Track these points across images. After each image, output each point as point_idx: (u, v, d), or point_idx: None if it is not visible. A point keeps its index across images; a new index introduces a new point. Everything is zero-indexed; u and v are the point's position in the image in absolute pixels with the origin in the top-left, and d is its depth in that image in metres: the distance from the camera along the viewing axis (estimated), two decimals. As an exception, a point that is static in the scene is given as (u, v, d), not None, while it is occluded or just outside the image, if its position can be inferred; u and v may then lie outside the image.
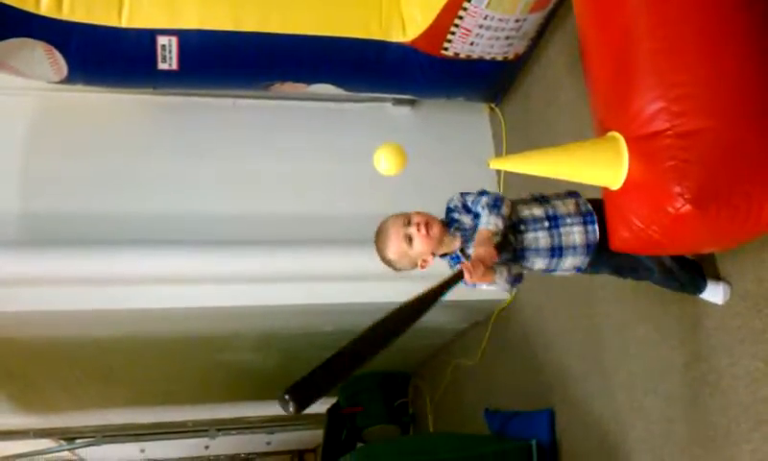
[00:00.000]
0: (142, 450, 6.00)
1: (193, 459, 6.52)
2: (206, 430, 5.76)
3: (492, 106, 4.14)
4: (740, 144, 1.93)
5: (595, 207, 2.25)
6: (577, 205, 2.27)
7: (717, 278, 2.47)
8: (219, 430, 5.72)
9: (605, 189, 2.15)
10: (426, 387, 4.97)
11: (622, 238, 2.12)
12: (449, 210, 2.30)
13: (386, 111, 4.12)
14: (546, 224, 2.22)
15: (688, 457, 2.61)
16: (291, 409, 1.82)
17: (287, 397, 1.82)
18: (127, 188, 3.65)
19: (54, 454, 5.68)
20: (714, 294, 2.44)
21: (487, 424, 3.77)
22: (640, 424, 2.89)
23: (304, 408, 1.86)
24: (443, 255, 2.26)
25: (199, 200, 3.70)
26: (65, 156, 3.64)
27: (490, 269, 2.10)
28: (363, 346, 1.96)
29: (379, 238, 2.25)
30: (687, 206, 1.89)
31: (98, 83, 3.46)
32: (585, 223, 2.23)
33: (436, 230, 2.19)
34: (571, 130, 3.37)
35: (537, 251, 2.21)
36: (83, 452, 5.73)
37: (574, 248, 2.22)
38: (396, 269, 2.27)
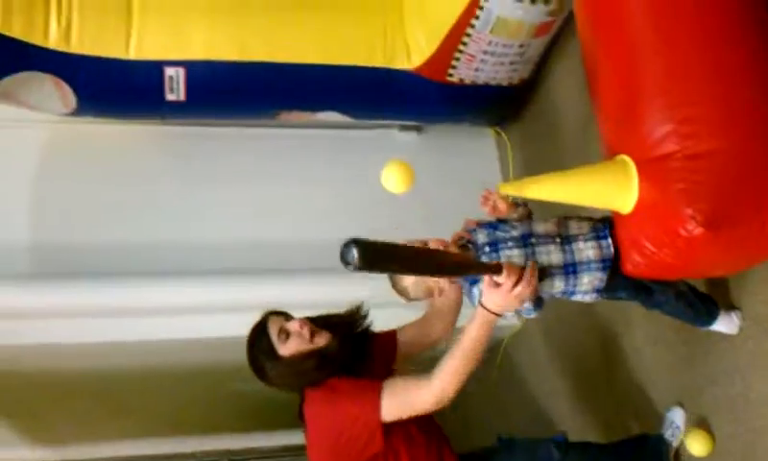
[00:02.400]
0: (153, 482, 5.90)
1: (204, 490, 6.40)
2: (218, 460, 5.68)
3: (498, 130, 4.15)
4: (751, 164, 1.93)
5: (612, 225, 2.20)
6: (591, 222, 2.24)
7: (730, 307, 2.45)
8: (231, 460, 5.64)
9: (615, 214, 2.15)
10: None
11: (634, 263, 2.11)
12: (467, 240, 2.25)
13: (392, 137, 4.13)
14: (558, 240, 2.16)
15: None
16: (355, 258, 1.65)
17: (352, 244, 1.67)
18: (137, 219, 3.66)
19: (64, 487, 5.61)
20: (727, 324, 2.43)
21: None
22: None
23: (368, 266, 1.71)
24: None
25: (209, 229, 3.70)
26: (75, 187, 3.65)
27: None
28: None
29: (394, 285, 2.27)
30: (699, 229, 1.88)
31: (107, 114, 3.48)
32: (598, 238, 2.18)
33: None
34: (578, 153, 3.37)
35: (550, 268, 2.13)
36: (94, 485, 5.64)
37: (588, 263, 2.16)
38: (408, 298, 2.28)
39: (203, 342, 3.72)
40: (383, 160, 3.95)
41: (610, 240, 2.17)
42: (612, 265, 2.16)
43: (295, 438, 4.49)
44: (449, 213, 3.68)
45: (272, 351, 2.21)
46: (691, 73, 1.98)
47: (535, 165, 3.85)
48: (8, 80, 3.08)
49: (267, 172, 3.88)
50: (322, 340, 2.21)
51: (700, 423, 2.39)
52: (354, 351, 2.28)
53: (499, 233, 2.18)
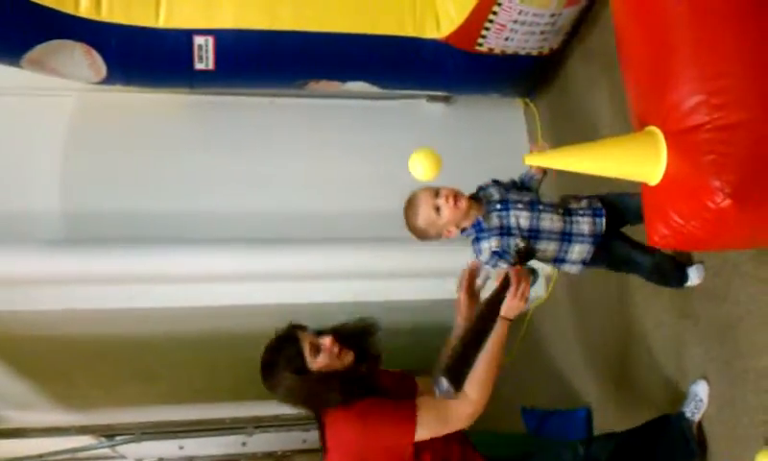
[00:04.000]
0: (181, 447, 6.04)
1: (230, 456, 6.55)
2: (244, 427, 5.78)
3: (527, 101, 4.11)
4: (781, 137, 1.90)
5: (607, 203, 2.46)
6: (589, 201, 2.47)
7: (690, 262, 2.67)
8: (256, 428, 5.74)
9: (643, 185, 2.13)
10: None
11: (661, 234, 2.09)
12: (480, 188, 2.51)
13: (420, 108, 4.12)
14: (561, 211, 2.41)
15: (727, 457, 2.57)
16: (449, 388, 2.11)
17: (444, 377, 2.08)
18: (165, 187, 3.71)
19: (95, 451, 5.74)
20: (696, 276, 2.63)
21: (524, 421, 3.75)
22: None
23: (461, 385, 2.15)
24: (463, 230, 2.39)
25: (237, 198, 3.73)
26: (104, 155, 3.70)
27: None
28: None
29: (409, 208, 2.40)
30: (728, 201, 1.86)
31: (136, 83, 3.50)
32: (594, 215, 2.42)
33: (463, 202, 2.35)
34: (607, 124, 3.34)
35: (550, 233, 2.37)
36: (122, 449, 5.80)
37: (582, 236, 2.39)
38: (421, 238, 2.41)
39: (230, 309, 3.77)
40: (411, 131, 3.97)
41: (603, 219, 2.41)
42: (601, 241, 2.40)
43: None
44: (476, 183, 3.70)
45: (302, 364, 2.23)
46: (723, 44, 1.94)
47: (563, 137, 3.81)
48: (39, 48, 3.11)
49: (295, 141, 3.90)
50: (348, 357, 2.28)
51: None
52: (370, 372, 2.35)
53: (512, 195, 2.41)
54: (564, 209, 2.42)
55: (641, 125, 2.12)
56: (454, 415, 2.22)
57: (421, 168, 2.21)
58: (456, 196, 2.33)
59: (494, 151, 4.02)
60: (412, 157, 2.21)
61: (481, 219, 2.37)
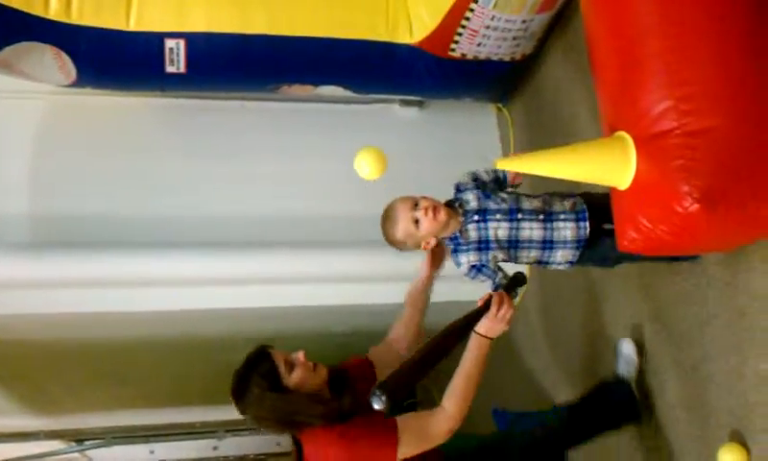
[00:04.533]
0: (151, 452, 5.96)
1: (202, 460, 6.47)
2: (215, 431, 5.73)
3: (500, 106, 4.14)
4: (748, 143, 1.93)
5: (593, 202, 2.39)
6: (573, 204, 2.40)
7: None
8: (228, 431, 5.69)
9: (613, 189, 2.16)
10: (435, 388, 4.94)
11: (630, 239, 2.12)
12: (458, 189, 2.45)
13: (394, 112, 4.13)
14: (541, 217, 2.35)
15: (695, 456, 2.60)
16: (383, 405, 1.92)
17: (378, 392, 1.92)
18: (135, 191, 3.68)
19: (64, 456, 5.67)
20: None
21: (495, 422, 3.76)
22: (648, 423, 2.89)
23: (395, 402, 1.99)
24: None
25: (208, 202, 3.71)
26: (74, 158, 3.66)
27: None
28: (433, 352, 2.11)
29: (387, 219, 2.37)
30: (696, 206, 1.89)
31: (106, 86, 3.48)
32: (577, 220, 2.36)
33: (442, 214, 2.30)
34: (579, 129, 3.37)
35: (530, 242, 2.34)
36: (92, 454, 5.72)
37: (564, 243, 2.36)
38: (398, 248, 2.39)
39: (200, 313, 3.75)
40: (384, 135, 3.97)
41: (587, 223, 2.36)
42: (585, 243, 2.37)
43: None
44: (450, 189, 3.71)
45: (278, 381, 2.21)
46: (692, 51, 1.97)
47: (537, 142, 3.84)
48: (8, 50, 3.08)
49: (267, 146, 3.89)
50: (323, 371, 2.29)
51: (733, 436, 2.42)
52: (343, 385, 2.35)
53: (491, 204, 2.35)
54: (546, 215, 2.35)
55: (611, 130, 2.14)
56: (434, 432, 2.23)
57: (368, 167, 2.20)
58: (435, 208, 2.29)
59: (467, 155, 4.04)
60: (357, 157, 2.21)
61: (458, 234, 2.34)
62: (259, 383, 2.21)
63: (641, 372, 2.88)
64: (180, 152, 3.78)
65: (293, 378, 2.22)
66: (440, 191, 3.31)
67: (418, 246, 2.36)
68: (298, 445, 2.30)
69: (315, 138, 3.94)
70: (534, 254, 2.37)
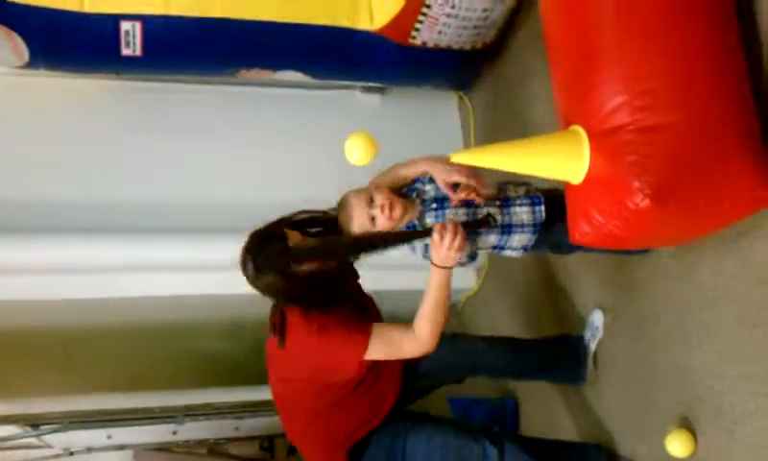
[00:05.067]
0: (109, 436, 5.91)
1: (161, 444, 6.44)
2: (174, 416, 5.69)
3: (461, 94, 4.14)
4: (701, 140, 1.95)
5: (546, 194, 2.44)
6: (527, 191, 2.46)
7: None
8: (187, 416, 5.65)
9: (567, 184, 2.17)
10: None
11: (582, 232, 2.14)
12: (415, 179, 2.44)
13: (355, 99, 4.11)
14: (498, 203, 2.39)
15: (648, 448, 2.65)
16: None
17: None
18: (91, 175, 3.62)
19: (19, 441, 5.59)
20: None
21: (450, 409, 3.79)
22: (600, 413, 2.93)
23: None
24: None
25: (162, 187, 3.67)
26: (26, 141, 3.59)
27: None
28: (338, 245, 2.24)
29: (343, 212, 2.36)
30: (647, 201, 1.91)
31: (60, 68, 3.41)
32: (532, 204, 2.42)
33: (398, 211, 2.31)
34: (540, 118, 3.39)
35: (488, 227, 2.36)
36: (48, 439, 5.65)
37: (522, 226, 2.40)
38: None
39: (157, 300, 3.71)
40: (345, 121, 3.95)
41: (543, 207, 2.41)
42: (541, 228, 2.42)
43: (252, 394, 4.51)
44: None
45: (287, 265, 2.19)
46: (647, 47, 1.98)
47: (497, 130, 3.86)
48: (-42, 29, 3.00)
49: (226, 130, 3.84)
50: (331, 262, 2.29)
51: (681, 422, 2.46)
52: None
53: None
54: (502, 201, 2.40)
55: (567, 124, 2.15)
56: (402, 350, 2.32)
57: (358, 153, 2.16)
58: (391, 206, 2.29)
59: (429, 143, 3.98)
60: (348, 142, 2.17)
61: (416, 222, 2.36)
62: (266, 263, 2.21)
63: (595, 354, 2.92)
64: (136, 136, 3.72)
65: (302, 267, 2.21)
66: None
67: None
68: (283, 318, 2.34)
69: (275, 123, 3.91)
70: (492, 238, 2.40)
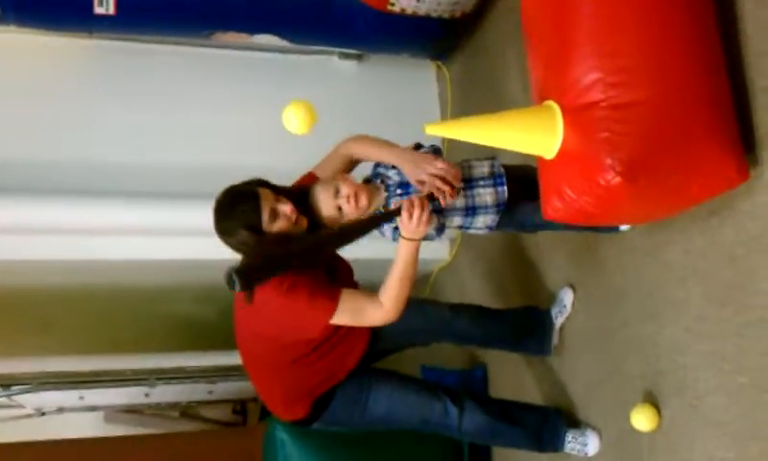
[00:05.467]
0: (81, 398, 5.90)
1: (133, 406, 6.45)
2: (146, 379, 5.69)
3: (439, 64, 4.11)
4: (673, 119, 1.95)
5: (511, 172, 2.47)
6: (491, 167, 2.49)
7: None
8: (159, 379, 5.65)
9: (539, 159, 2.17)
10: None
11: (554, 208, 2.14)
12: (377, 164, 2.48)
13: (332, 65, 4.07)
14: (462, 185, 2.40)
15: (614, 421, 2.69)
16: (237, 287, 1.95)
17: (234, 275, 1.93)
18: (64, 135, 3.58)
19: (-8, 401, 5.56)
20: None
21: (422, 377, 3.82)
22: (568, 386, 2.97)
23: (250, 286, 2.06)
24: None
25: (140, 151, 3.63)
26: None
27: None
28: (309, 245, 2.19)
29: (311, 204, 2.35)
30: (618, 179, 1.91)
31: (32, 24, 3.34)
32: (495, 184, 2.45)
33: (364, 201, 2.33)
34: (517, 90, 3.37)
35: (453, 210, 2.41)
36: (20, 399, 5.64)
37: (486, 207, 2.44)
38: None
39: (132, 263, 3.69)
40: (321, 87, 3.92)
41: (505, 188, 2.45)
42: (504, 207, 2.46)
43: (225, 359, 4.51)
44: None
45: (258, 224, 2.21)
46: (622, 24, 1.97)
47: (474, 100, 3.84)
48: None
49: (201, 94, 3.79)
50: (303, 223, 2.30)
51: (646, 397, 2.49)
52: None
53: None
54: (466, 182, 2.43)
55: (541, 99, 2.15)
56: (368, 318, 2.34)
57: (296, 121, 2.17)
58: (357, 195, 2.31)
59: (405, 111, 4.02)
60: (286, 110, 2.16)
61: (382, 210, 2.40)
62: (237, 220, 2.23)
63: (561, 329, 2.96)
64: (110, 97, 3.66)
65: (273, 227, 2.24)
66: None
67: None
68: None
69: (251, 88, 3.86)
70: (457, 220, 2.44)
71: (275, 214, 2.24)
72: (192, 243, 3.57)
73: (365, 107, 3.93)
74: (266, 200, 2.24)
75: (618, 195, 1.95)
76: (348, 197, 2.30)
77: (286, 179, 3.32)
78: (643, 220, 2.42)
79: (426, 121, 2.25)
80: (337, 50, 3.99)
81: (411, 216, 2.16)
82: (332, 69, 4.07)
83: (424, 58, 4.06)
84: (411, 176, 2.32)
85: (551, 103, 2.08)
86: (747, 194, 2.07)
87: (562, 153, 2.08)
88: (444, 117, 4.06)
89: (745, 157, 2.01)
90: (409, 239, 2.24)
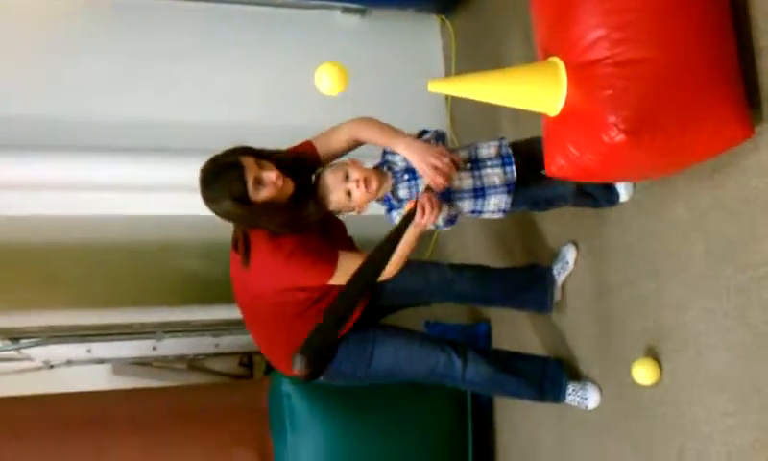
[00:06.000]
0: (88, 350, 5.98)
1: (140, 359, 6.53)
2: (153, 332, 5.75)
3: (443, 18, 4.07)
4: (677, 75, 1.94)
5: (518, 150, 2.48)
6: (498, 147, 2.47)
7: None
8: (166, 332, 5.72)
9: (544, 117, 2.16)
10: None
11: (558, 165, 2.15)
12: (385, 151, 2.48)
13: (335, 19, 4.01)
14: (469, 166, 2.43)
15: (614, 374, 2.72)
16: (303, 368, 1.86)
17: (299, 358, 1.86)
18: (69, 92, 3.54)
19: (0, 354, 5.64)
20: (626, 193, 2.62)
21: (427, 332, 3.85)
22: (570, 342, 2.99)
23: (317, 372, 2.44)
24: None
25: (141, 106, 3.61)
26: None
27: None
28: (349, 296, 2.06)
29: (319, 189, 2.40)
30: (621, 136, 1.91)
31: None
32: (503, 164, 2.45)
33: (374, 185, 2.36)
34: (521, 45, 3.34)
35: (461, 192, 2.41)
36: (28, 352, 5.71)
37: (495, 187, 2.43)
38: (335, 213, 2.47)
39: (138, 219, 3.70)
40: (324, 42, 3.88)
41: (513, 167, 2.45)
42: (514, 188, 2.45)
43: (231, 313, 4.56)
44: (390, 99, 3.65)
45: (244, 194, 2.22)
46: (627, -20, 1.95)
47: (478, 55, 3.81)
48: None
49: (200, 48, 3.74)
50: (288, 187, 2.30)
51: (648, 352, 2.52)
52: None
53: None
54: (473, 163, 2.44)
55: (545, 55, 2.13)
56: None
57: (329, 81, 2.12)
58: (366, 180, 2.33)
59: (409, 66, 3.99)
60: (318, 70, 2.12)
61: (389, 195, 2.42)
62: (223, 192, 2.24)
63: (564, 285, 2.98)
64: (110, 52, 3.62)
65: (260, 195, 2.24)
66: (379, 101, 3.27)
67: (352, 210, 2.43)
68: (246, 238, 2.37)
69: (252, 42, 3.82)
70: (467, 203, 2.44)
71: (259, 182, 2.24)
72: (198, 199, 3.58)
73: (368, 61, 3.88)
74: (250, 169, 2.24)
75: (622, 152, 1.95)
76: (359, 181, 2.33)
77: (286, 132, 3.34)
78: (647, 177, 2.42)
79: (430, 77, 2.24)
80: (339, 4, 3.94)
81: (423, 215, 2.23)
82: (334, 24, 4.02)
83: (429, 12, 4.01)
84: (418, 168, 2.33)
85: (555, 59, 2.07)
86: (751, 151, 2.07)
87: (565, 110, 2.07)
88: (447, 72, 4.03)
89: (750, 114, 2.00)
90: (416, 228, 2.30)
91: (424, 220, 2.25)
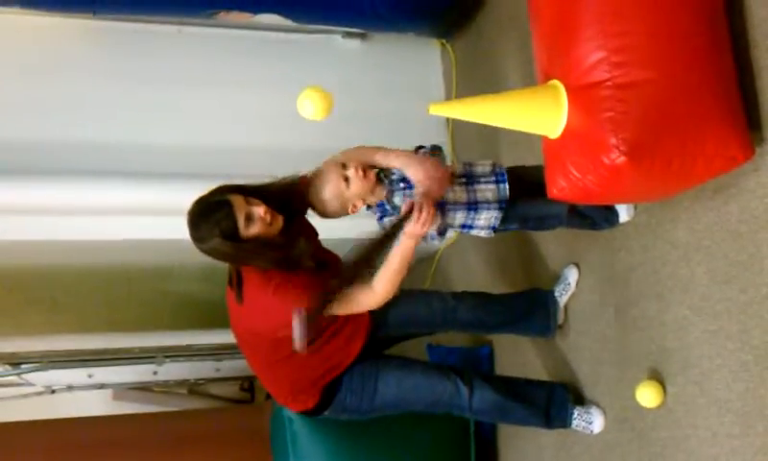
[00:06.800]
0: (90, 376, 5.96)
1: (141, 384, 6.51)
2: (154, 357, 5.74)
3: (444, 42, 4.09)
4: (677, 98, 1.95)
5: (512, 170, 2.53)
6: (493, 166, 2.51)
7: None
8: (167, 357, 5.70)
9: (544, 138, 2.17)
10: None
11: (559, 187, 2.15)
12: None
13: (335, 44, 4.04)
14: (464, 180, 2.47)
15: (618, 399, 2.70)
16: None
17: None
18: (66, 116, 3.55)
19: (1, 380, 5.62)
20: (626, 213, 2.64)
21: (428, 356, 3.84)
22: (573, 365, 2.97)
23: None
24: (368, 207, 2.43)
25: (142, 130, 3.61)
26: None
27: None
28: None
29: (317, 179, 2.38)
30: (622, 158, 1.92)
31: (35, 6, 3.33)
32: (497, 182, 2.49)
33: (372, 174, 2.37)
34: (521, 69, 3.36)
35: (455, 205, 2.43)
36: (29, 377, 5.69)
37: (487, 203, 2.47)
38: (322, 213, 2.42)
39: (139, 243, 3.70)
40: (325, 66, 3.90)
41: (506, 185, 2.49)
42: (506, 205, 2.48)
43: (231, 337, 4.54)
44: (391, 122, 3.67)
45: (234, 231, 2.23)
46: (627, 3, 1.97)
47: (478, 79, 3.83)
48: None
49: (204, 74, 3.76)
50: (278, 222, 2.31)
51: (651, 375, 2.51)
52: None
53: None
54: (467, 178, 2.47)
55: (546, 78, 2.15)
56: (361, 304, 2.37)
57: (312, 107, 2.14)
58: (365, 168, 2.34)
59: (410, 90, 4.00)
60: (301, 96, 2.14)
61: (384, 201, 2.41)
62: (213, 231, 2.23)
63: (566, 307, 2.98)
64: (115, 77, 3.64)
65: (250, 231, 2.25)
66: (379, 124, 3.28)
67: (345, 208, 2.39)
68: (239, 275, 2.37)
69: (254, 67, 3.84)
70: (459, 215, 2.46)
71: (250, 218, 2.25)
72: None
73: (368, 85, 3.92)
74: (239, 206, 2.25)
75: (622, 174, 1.96)
76: (357, 169, 2.32)
77: (287, 157, 3.34)
78: (648, 199, 2.43)
79: (431, 101, 2.25)
80: (340, 29, 3.96)
81: (419, 218, 2.21)
82: (336, 48, 4.04)
83: (429, 36, 4.03)
84: (414, 176, 2.34)
85: (556, 82, 2.08)
86: (752, 172, 2.07)
87: (566, 132, 2.08)
88: (448, 97, 4.04)
89: (750, 135, 2.01)
90: (410, 237, 2.27)
91: (420, 222, 2.21)
